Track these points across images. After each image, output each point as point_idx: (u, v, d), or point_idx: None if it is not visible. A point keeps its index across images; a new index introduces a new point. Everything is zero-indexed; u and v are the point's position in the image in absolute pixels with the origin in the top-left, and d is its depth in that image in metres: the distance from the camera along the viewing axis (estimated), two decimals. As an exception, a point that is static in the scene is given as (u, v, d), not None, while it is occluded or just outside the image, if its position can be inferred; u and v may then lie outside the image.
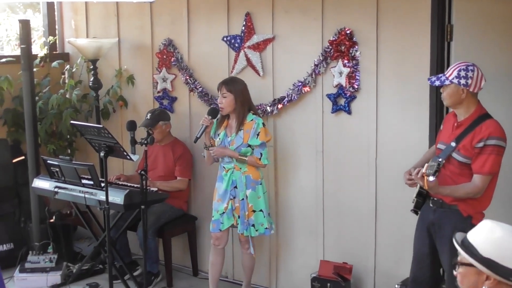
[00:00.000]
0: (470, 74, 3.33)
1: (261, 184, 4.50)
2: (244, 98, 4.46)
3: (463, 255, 2.22)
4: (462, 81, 3.32)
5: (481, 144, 3.29)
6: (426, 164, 3.28)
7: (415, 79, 4.11)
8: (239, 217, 4.48)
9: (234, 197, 4.48)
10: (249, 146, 4.40)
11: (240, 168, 4.44)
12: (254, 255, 4.64)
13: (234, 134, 4.43)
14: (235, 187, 4.47)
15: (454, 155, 3.38)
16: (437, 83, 3.42)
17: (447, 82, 3.37)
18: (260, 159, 4.41)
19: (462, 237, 2.27)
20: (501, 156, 3.32)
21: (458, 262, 2.24)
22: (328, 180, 4.61)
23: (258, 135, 4.39)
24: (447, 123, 3.57)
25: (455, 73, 3.34)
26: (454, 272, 2.28)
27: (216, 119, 4.53)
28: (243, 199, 4.45)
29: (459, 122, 3.43)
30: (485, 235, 2.19)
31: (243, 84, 4.49)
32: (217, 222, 4.53)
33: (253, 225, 4.48)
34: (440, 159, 3.31)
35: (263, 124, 4.42)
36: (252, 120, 4.41)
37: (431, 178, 3.19)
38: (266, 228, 4.52)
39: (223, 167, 4.52)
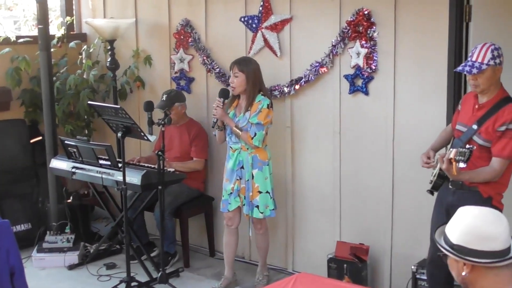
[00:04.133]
0: (500, 52, 3.25)
1: (268, 165, 4.47)
2: (256, 78, 4.42)
3: (438, 246, 2.22)
4: (497, 61, 3.23)
5: (503, 128, 3.24)
6: (454, 150, 3.09)
7: (433, 60, 4.07)
8: (244, 198, 4.48)
9: (241, 178, 4.47)
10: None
11: (247, 149, 4.42)
12: (250, 237, 4.63)
13: (242, 114, 4.41)
14: (242, 167, 4.45)
15: (475, 138, 3.32)
16: (475, 71, 3.22)
17: (484, 67, 3.21)
18: (252, 138, 4.36)
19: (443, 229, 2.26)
20: None
21: (441, 254, 2.23)
22: (345, 161, 4.60)
23: (258, 114, 4.35)
24: (466, 104, 3.49)
25: (489, 55, 3.21)
26: None
27: (227, 100, 4.50)
28: (248, 180, 4.43)
29: (481, 104, 3.36)
30: (457, 223, 2.18)
31: (256, 65, 4.46)
32: (225, 202, 4.55)
33: (257, 206, 4.46)
34: (471, 146, 3.09)
35: (268, 105, 4.37)
36: (259, 101, 4.38)
37: (462, 165, 3.04)
38: (272, 209, 4.51)
39: (230, 147, 4.50)
